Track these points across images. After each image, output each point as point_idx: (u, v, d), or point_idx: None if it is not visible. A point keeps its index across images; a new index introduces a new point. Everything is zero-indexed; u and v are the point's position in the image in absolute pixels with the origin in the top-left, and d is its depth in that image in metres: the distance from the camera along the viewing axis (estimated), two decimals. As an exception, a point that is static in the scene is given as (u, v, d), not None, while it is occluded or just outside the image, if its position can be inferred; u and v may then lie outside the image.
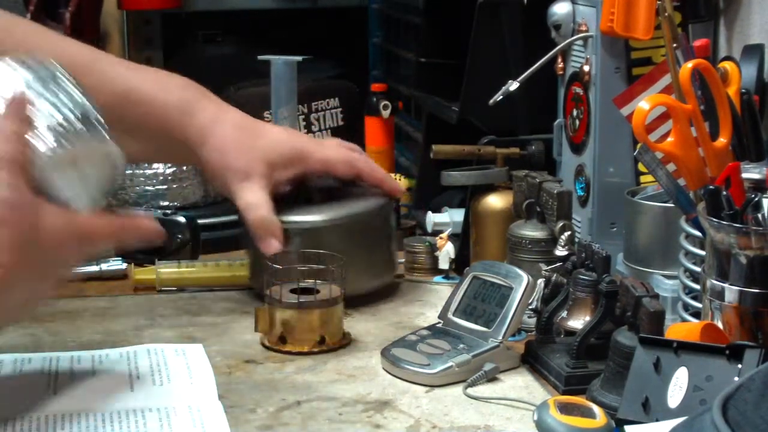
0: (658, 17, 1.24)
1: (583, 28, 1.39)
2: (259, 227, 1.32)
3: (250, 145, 1.33)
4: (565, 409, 1.01)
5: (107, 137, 1.06)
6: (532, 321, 1.27)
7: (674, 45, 1.22)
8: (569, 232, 1.29)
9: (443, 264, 1.50)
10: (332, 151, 1.39)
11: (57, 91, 1.05)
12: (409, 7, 1.99)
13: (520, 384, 1.18)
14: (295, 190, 1.40)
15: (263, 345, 1.27)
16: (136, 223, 1.10)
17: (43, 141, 1.02)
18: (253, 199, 1.32)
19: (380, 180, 1.42)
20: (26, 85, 1.04)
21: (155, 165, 1.67)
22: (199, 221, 1.60)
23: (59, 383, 1.14)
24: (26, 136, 1.00)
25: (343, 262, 1.28)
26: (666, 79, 1.30)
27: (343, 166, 1.38)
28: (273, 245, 1.31)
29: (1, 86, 1.03)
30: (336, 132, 2.11)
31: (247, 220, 1.32)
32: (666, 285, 1.24)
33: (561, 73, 1.46)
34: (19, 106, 1.01)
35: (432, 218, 1.60)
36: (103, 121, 1.06)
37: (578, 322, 1.19)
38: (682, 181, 1.18)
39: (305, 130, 2.08)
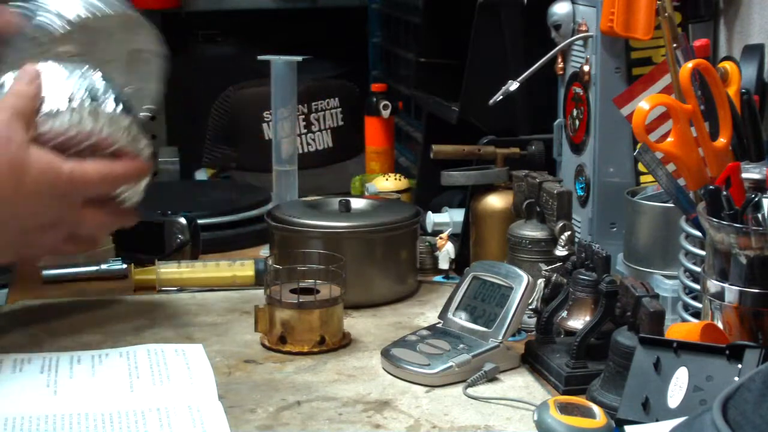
0: (658, 17, 1.24)
1: (583, 28, 1.39)
2: None
3: None
4: (565, 409, 1.01)
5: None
6: (532, 321, 1.27)
7: (674, 45, 1.22)
8: (569, 232, 1.29)
9: (443, 264, 1.50)
10: None
11: (73, 70, 1.14)
12: (409, 7, 1.99)
13: (520, 384, 1.18)
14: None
15: (263, 345, 1.27)
16: (129, 167, 1.15)
17: (49, 102, 1.11)
18: None
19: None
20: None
21: (155, 165, 1.67)
22: (199, 221, 1.60)
23: (59, 383, 1.14)
24: (35, 94, 1.11)
25: (343, 262, 1.28)
26: (666, 79, 1.30)
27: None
28: None
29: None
30: (336, 132, 2.11)
31: None
32: (666, 285, 1.24)
33: (561, 73, 1.46)
34: (31, 72, 1.13)
35: (432, 218, 1.60)
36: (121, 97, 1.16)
37: (578, 322, 1.19)
38: (682, 181, 1.18)
39: (305, 130, 2.08)
